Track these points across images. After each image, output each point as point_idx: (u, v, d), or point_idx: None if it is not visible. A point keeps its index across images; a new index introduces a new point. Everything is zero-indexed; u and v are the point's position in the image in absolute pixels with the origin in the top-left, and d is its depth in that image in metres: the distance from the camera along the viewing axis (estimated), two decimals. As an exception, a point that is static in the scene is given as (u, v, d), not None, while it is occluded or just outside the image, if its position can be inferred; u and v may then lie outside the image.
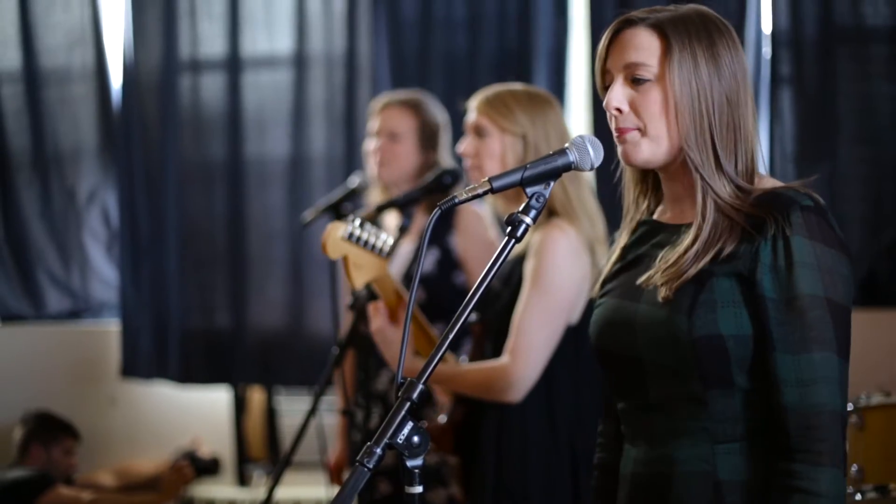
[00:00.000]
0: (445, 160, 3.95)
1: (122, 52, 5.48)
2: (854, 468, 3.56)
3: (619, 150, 1.98)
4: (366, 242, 2.70)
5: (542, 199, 1.81)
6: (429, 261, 3.81)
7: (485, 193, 1.82)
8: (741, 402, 1.90)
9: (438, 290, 3.69)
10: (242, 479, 5.67)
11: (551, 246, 2.79)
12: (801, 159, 5.00)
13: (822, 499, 1.81)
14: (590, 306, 2.83)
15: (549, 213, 2.86)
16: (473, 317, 2.93)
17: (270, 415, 5.70)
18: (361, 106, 5.31)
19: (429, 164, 3.92)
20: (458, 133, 4.10)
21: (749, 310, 1.87)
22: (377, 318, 2.82)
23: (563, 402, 2.85)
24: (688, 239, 1.92)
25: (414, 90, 4.12)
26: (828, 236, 1.87)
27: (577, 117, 5.25)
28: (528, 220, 1.80)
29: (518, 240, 1.80)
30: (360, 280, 2.72)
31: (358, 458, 1.66)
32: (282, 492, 5.49)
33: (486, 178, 1.83)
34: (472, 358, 2.99)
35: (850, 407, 3.64)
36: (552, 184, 1.83)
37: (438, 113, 4.00)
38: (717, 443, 1.91)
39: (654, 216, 2.08)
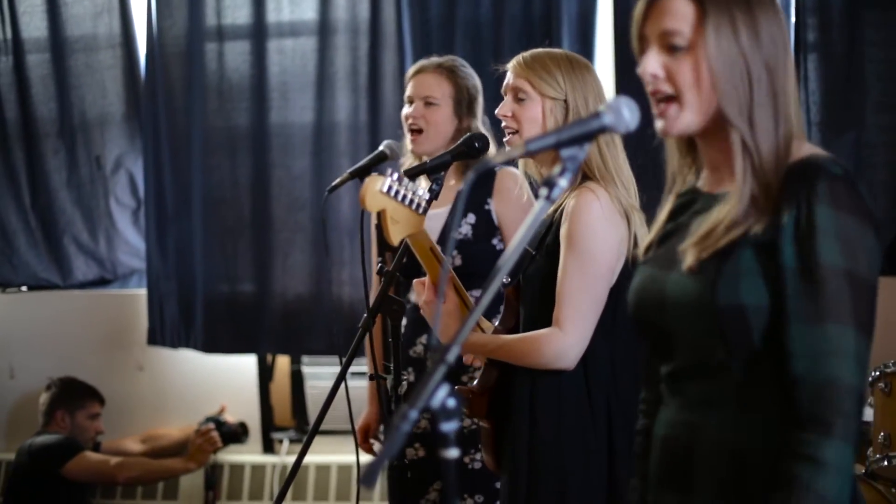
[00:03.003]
0: (479, 127, 3.93)
1: (148, 19, 5.49)
2: (882, 435, 3.57)
3: (658, 124, 1.97)
4: (404, 197, 2.70)
5: (577, 162, 1.81)
6: (465, 226, 3.81)
7: (521, 157, 1.82)
8: (764, 372, 1.89)
9: (475, 254, 3.68)
10: (269, 446, 5.71)
11: (585, 209, 2.79)
12: (827, 127, 4.97)
13: (827, 467, 1.78)
14: (625, 272, 2.84)
15: (583, 176, 2.85)
16: (505, 281, 2.93)
17: (296, 381, 5.72)
18: (385, 73, 5.32)
19: (464, 130, 3.86)
20: (487, 99, 4.11)
21: (768, 279, 1.85)
22: (426, 292, 2.83)
23: (599, 366, 2.84)
24: (724, 208, 1.91)
25: (448, 55, 4.09)
26: (854, 206, 1.84)
27: (603, 84, 5.22)
28: (563, 182, 1.79)
29: (552, 202, 1.80)
30: (397, 235, 2.73)
31: (394, 420, 1.66)
32: (311, 458, 5.56)
33: (523, 141, 1.83)
34: (505, 322, 2.99)
35: (876, 373, 3.65)
36: (587, 146, 1.83)
37: (474, 78, 3.98)
38: (741, 412, 1.91)
39: (697, 184, 2.08)
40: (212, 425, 5.25)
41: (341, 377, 2.90)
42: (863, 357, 1.83)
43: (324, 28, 5.39)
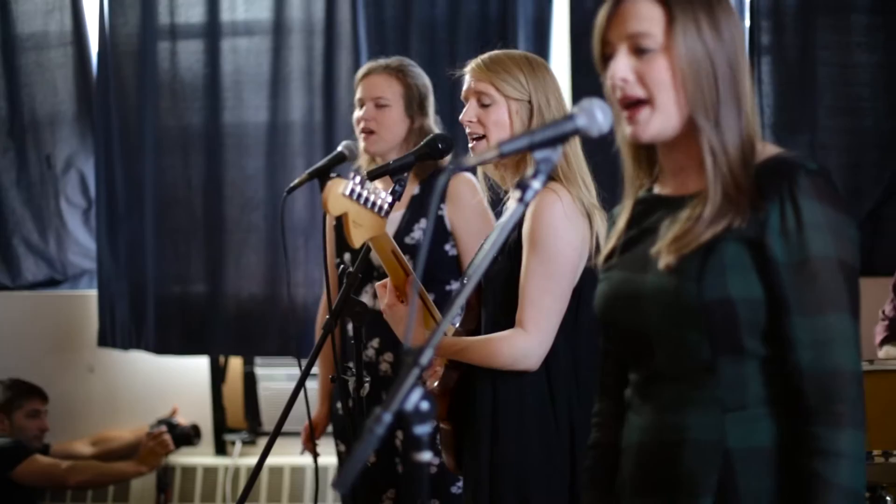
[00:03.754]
0: (432, 126, 3.93)
1: (100, 17, 5.42)
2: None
3: (629, 130, 1.96)
4: (366, 200, 2.69)
5: (550, 164, 1.81)
6: (418, 231, 3.80)
7: (495, 159, 1.81)
8: (751, 370, 1.90)
9: (429, 260, 3.69)
10: (221, 448, 5.67)
11: (548, 210, 2.78)
12: (781, 129, 5.02)
13: (843, 458, 1.82)
14: (587, 273, 2.83)
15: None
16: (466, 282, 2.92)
17: (249, 383, 5.68)
18: (340, 73, 5.29)
19: (416, 130, 3.89)
20: (441, 99, 4.11)
21: (759, 274, 1.87)
22: (388, 296, 2.82)
23: (561, 367, 2.84)
24: (698, 208, 1.92)
25: (396, 56, 4.09)
26: (835, 199, 1.88)
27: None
28: (537, 184, 1.79)
29: (526, 205, 1.79)
30: (359, 238, 2.71)
31: (367, 423, 1.64)
32: (269, 459, 5.52)
33: (496, 143, 1.82)
34: (465, 324, 2.98)
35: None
36: (560, 148, 1.83)
37: (423, 77, 3.98)
38: (726, 411, 1.91)
39: (654, 191, 2.07)
40: (164, 428, 5.19)
41: (303, 379, 2.88)
42: (858, 342, 1.89)
43: (278, 27, 5.36)
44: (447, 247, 3.85)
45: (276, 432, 2.86)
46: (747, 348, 1.89)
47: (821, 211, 1.86)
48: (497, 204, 3.14)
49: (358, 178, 2.70)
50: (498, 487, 2.85)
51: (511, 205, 2.79)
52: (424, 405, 1.69)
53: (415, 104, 3.89)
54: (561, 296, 2.80)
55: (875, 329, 4.12)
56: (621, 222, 2.09)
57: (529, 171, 1.80)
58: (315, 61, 5.34)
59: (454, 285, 3.85)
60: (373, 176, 2.86)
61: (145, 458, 4.98)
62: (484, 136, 2.89)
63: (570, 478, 2.84)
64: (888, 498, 3.74)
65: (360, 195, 2.68)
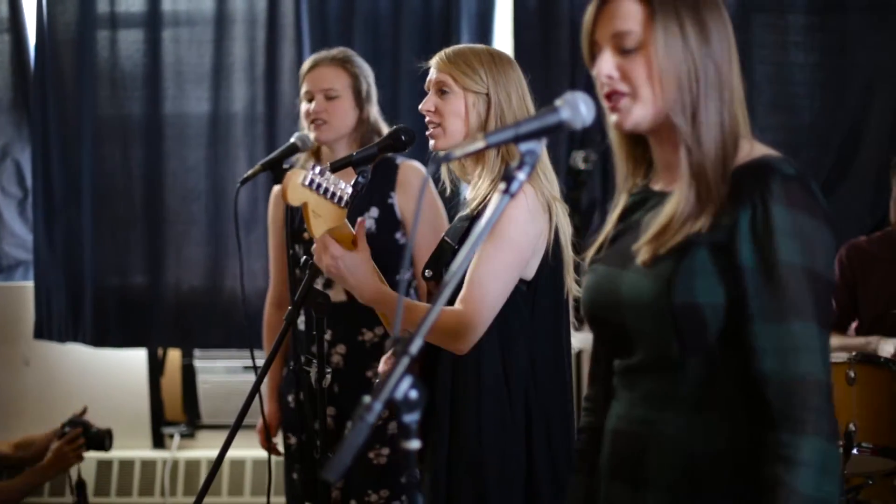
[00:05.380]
0: (377, 116, 3.95)
1: (38, 5, 5.34)
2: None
3: (612, 118, 1.99)
4: (325, 190, 2.69)
5: (535, 156, 1.82)
6: (369, 220, 3.81)
7: (481, 150, 1.82)
8: (717, 371, 1.92)
9: (377, 247, 3.68)
10: (159, 441, 5.63)
11: (512, 203, 2.80)
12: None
13: (803, 467, 1.81)
14: (543, 267, 2.86)
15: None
16: (427, 274, 2.93)
17: (188, 376, 5.65)
18: (283, 65, 5.30)
19: (364, 120, 3.91)
20: (385, 92, 4.12)
21: (723, 278, 1.88)
22: (331, 247, 2.77)
23: (519, 360, 2.86)
24: (671, 207, 1.94)
25: (339, 48, 4.09)
26: (809, 205, 1.87)
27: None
28: (521, 176, 1.80)
29: (513, 196, 1.81)
30: (318, 228, 2.70)
31: (357, 412, 1.65)
32: (205, 453, 5.50)
33: (482, 134, 1.83)
34: (425, 314, 2.98)
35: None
36: (545, 140, 1.84)
37: (367, 68, 4.00)
38: (692, 410, 1.93)
39: (649, 184, 2.10)
40: (80, 429, 4.90)
41: (265, 371, 2.87)
42: (826, 351, 1.87)
43: (220, 18, 5.34)
44: (397, 235, 3.87)
45: (237, 425, 2.84)
46: (714, 351, 1.91)
47: (791, 218, 1.85)
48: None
49: (318, 169, 2.69)
50: (455, 476, 2.87)
51: (496, 196, 2.81)
52: (413, 394, 1.70)
53: (362, 94, 3.91)
54: (507, 282, 2.81)
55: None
56: (614, 215, 2.12)
57: (515, 162, 1.81)
58: (257, 52, 5.33)
59: (406, 275, 3.86)
60: (335, 168, 2.86)
61: (55, 462, 4.55)
62: (440, 125, 2.92)
63: (527, 467, 2.87)
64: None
65: (319, 185, 2.68)
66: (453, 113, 2.92)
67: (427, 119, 2.96)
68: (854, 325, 4.55)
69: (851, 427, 3.70)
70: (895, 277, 4.43)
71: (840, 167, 5.18)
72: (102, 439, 4.56)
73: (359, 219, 2.81)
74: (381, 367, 3.04)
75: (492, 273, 2.78)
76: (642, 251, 1.94)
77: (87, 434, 4.53)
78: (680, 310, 1.89)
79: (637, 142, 2.09)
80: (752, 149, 1.97)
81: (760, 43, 5.22)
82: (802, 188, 1.87)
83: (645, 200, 2.07)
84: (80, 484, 4.59)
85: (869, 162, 5.13)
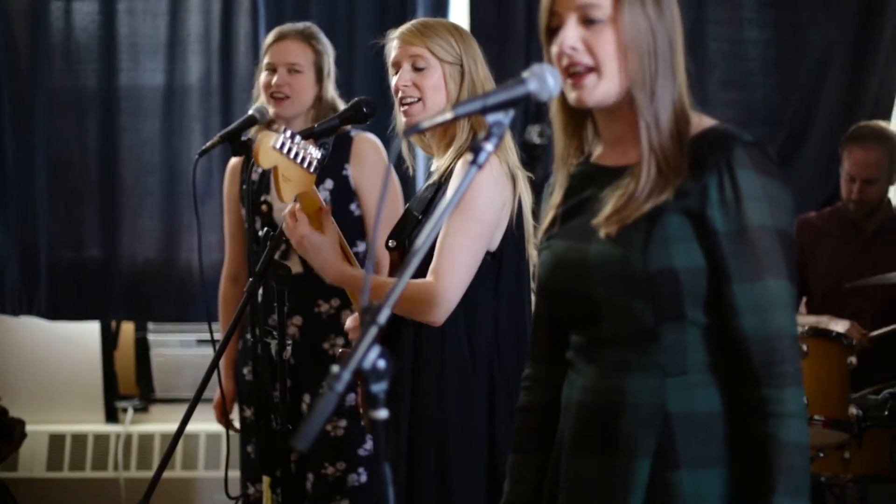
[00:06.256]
0: (334, 92, 3.95)
1: (-11, -26, 5.29)
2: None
3: (573, 94, 2.01)
4: (296, 155, 2.70)
5: (503, 127, 1.84)
6: (324, 192, 3.81)
7: (450, 121, 1.84)
8: (693, 337, 1.96)
9: (335, 220, 3.70)
10: (112, 415, 5.61)
11: (477, 173, 2.81)
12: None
13: (793, 419, 1.91)
14: (507, 238, 2.87)
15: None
16: (391, 244, 2.94)
17: (141, 349, 5.62)
18: (238, 37, 5.28)
19: (322, 97, 3.92)
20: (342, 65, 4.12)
21: (701, 244, 1.93)
22: (300, 226, 2.80)
23: (483, 330, 2.88)
24: (636, 179, 1.97)
25: (302, 22, 4.08)
26: (771, 169, 1.95)
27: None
28: (489, 146, 1.82)
29: (480, 167, 1.82)
30: (288, 193, 2.72)
31: (325, 382, 1.66)
32: (158, 427, 5.48)
33: (449, 106, 1.84)
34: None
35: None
36: (512, 112, 1.86)
37: (329, 45, 4.00)
38: (667, 376, 1.97)
39: (592, 159, 2.12)
40: None
41: (225, 344, 2.88)
42: (795, 306, 1.98)
43: (176, -12, 5.29)
44: (352, 207, 3.89)
45: (197, 399, 2.84)
46: (689, 317, 1.95)
47: (757, 181, 1.92)
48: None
49: (289, 132, 2.70)
50: (417, 444, 2.89)
51: (459, 165, 2.82)
52: (381, 363, 1.71)
53: (324, 72, 3.92)
54: (476, 254, 2.83)
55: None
56: (557, 193, 2.14)
57: (482, 133, 1.82)
58: (213, 25, 5.30)
59: (361, 247, 3.88)
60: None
61: None
62: (420, 100, 2.92)
63: (489, 436, 2.89)
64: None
65: (290, 149, 2.70)
66: (433, 86, 2.92)
67: (402, 95, 2.95)
68: (804, 300, 4.61)
69: (803, 400, 3.75)
70: (845, 252, 4.50)
71: (792, 143, 5.24)
72: (13, 428, 4.41)
73: (324, 205, 2.82)
74: (350, 323, 3.02)
75: (461, 245, 2.79)
76: (605, 224, 1.97)
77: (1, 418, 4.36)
78: (656, 276, 1.93)
79: (577, 116, 2.11)
80: (700, 120, 2.03)
81: (714, 19, 5.27)
82: (762, 153, 1.95)
83: (593, 176, 2.09)
84: None
85: (821, 138, 5.19)
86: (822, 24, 5.22)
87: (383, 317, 1.72)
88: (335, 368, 1.67)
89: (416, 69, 2.92)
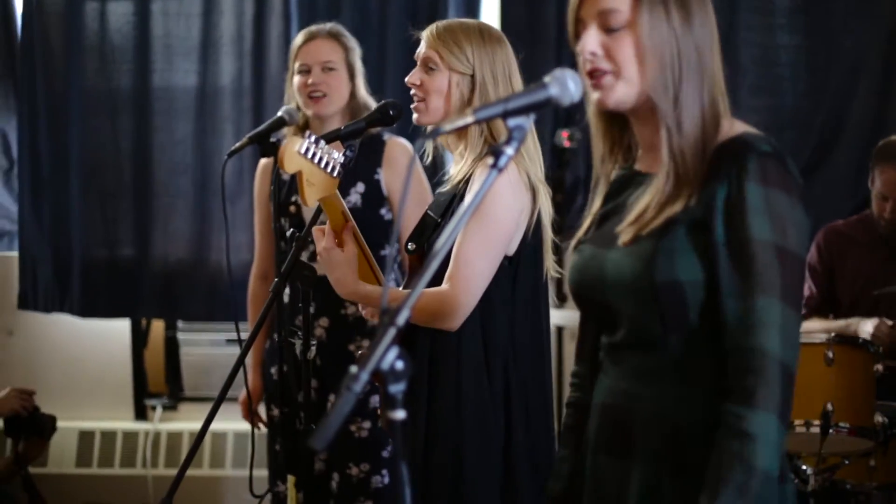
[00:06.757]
0: (364, 91, 3.98)
1: (26, -25, 5.34)
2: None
3: (594, 96, 2.02)
4: (320, 159, 2.73)
5: (523, 132, 1.85)
6: (355, 195, 3.84)
7: (470, 125, 1.85)
8: (701, 347, 1.96)
9: (363, 223, 3.72)
10: (142, 413, 5.65)
11: (497, 177, 2.82)
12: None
13: (753, 438, 1.85)
14: (524, 244, 2.88)
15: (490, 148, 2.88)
16: (410, 248, 2.96)
17: (171, 348, 5.66)
18: (271, 39, 5.31)
19: (354, 95, 3.95)
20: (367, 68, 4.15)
21: (701, 255, 1.92)
22: (324, 240, 2.83)
23: (498, 334, 2.89)
24: (651, 189, 1.98)
25: (330, 22, 4.12)
26: (783, 182, 1.90)
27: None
28: (510, 150, 1.83)
29: (500, 171, 1.83)
30: (312, 197, 2.75)
31: (343, 382, 1.67)
32: (187, 425, 5.51)
33: (471, 109, 1.85)
34: (408, 288, 3.01)
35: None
36: (533, 116, 1.87)
37: (356, 43, 4.03)
38: (678, 385, 1.97)
39: (635, 164, 2.13)
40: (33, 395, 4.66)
41: (250, 342, 2.90)
42: (789, 330, 1.89)
43: (209, -10, 5.33)
44: (383, 211, 3.92)
45: (222, 397, 2.87)
46: (695, 327, 1.95)
47: (764, 195, 1.88)
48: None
49: (313, 137, 2.74)
50: (433, 449, 2.90)
51: (479, 171, 2.84)
52: (399, 364, 1.72)
53: (355, 68, 3.95)
54: (493, 260, 2.84)
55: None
56: (598, 198, 2.15)
57: (503, 137, 1.84)
58: (245, 26, 5.33)
59: (389, 250, 3.91)
60: (325, 141, 2.89)
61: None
62: (423, 100, 2.94)
63: (505, 442, 2.90)
64: (806, 468, 3.87)
65: (314, 154, 2.73)
66: (436, 90, 2.93)
67: (412, 91, 2.98)
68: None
69: (829, 407, 3.75)
70: (872, 260, 4.48)
71: (822, 150, 5.23)
72: (44, 423, 4.38)
73: (348, 214, 2.84)
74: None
75: (478, 251, 2.80)
76: (624, 232, 1.98)
77: (34, 413, 4.35)
78: (662, 288, 1.92)
79: (615, 122, 2.12)
80: (731, 126, 2.00)
81: (746, 25, 5.26)
82: (778, 165, 1.91)
83: (629, 181, 2.10)
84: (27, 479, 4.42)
85: (851, 145, 5.18)
86: (853, 31, 5.21)
87: (401, 319, 1.74)
88: (353, 369, 1.69)
89: (427, 70, 2.94)
